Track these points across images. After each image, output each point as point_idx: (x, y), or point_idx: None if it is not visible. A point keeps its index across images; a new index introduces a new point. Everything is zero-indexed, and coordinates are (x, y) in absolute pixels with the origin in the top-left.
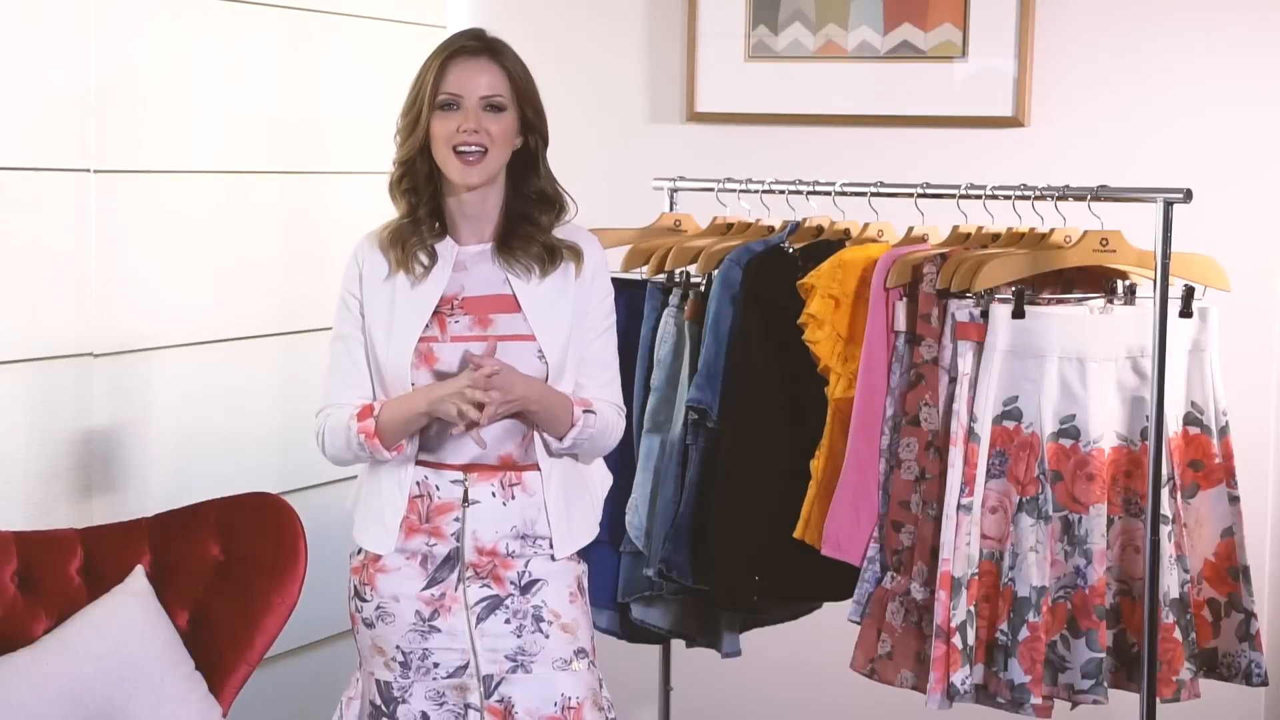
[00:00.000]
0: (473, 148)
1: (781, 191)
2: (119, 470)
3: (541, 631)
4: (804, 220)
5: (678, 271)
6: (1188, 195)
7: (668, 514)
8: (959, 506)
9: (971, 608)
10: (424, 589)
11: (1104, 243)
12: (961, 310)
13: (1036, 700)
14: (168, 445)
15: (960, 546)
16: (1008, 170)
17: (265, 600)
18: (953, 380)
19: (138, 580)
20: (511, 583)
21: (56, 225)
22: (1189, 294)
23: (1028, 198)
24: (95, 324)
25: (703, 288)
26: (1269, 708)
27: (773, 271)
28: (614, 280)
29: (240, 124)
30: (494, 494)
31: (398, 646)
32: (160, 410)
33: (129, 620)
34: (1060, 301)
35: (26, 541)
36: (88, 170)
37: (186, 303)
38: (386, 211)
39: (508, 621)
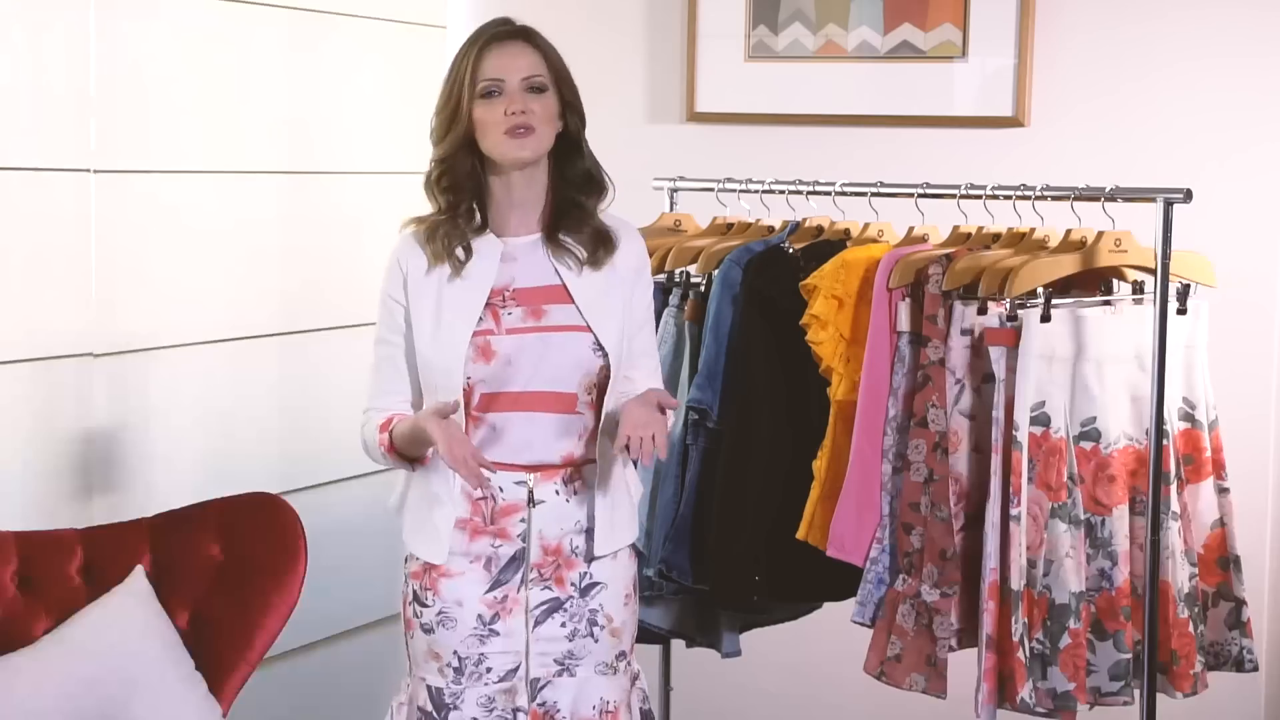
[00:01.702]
0: (521, 127)
1: (781, 191)
2: (119, 470)
3: (593, 636)
4: (804, 220)
5: (678, 271)
6: (1188, 195)
7: (668, 514)
8: (1010, 517)
9: (1026, 619)
10: (487, 592)
11: (1118, 243)
12: (991, 316)
13: (1082, 707)
14: (168, 445)
15: (1014, 559)
16: (1008, 170)
17: (265, 600)
18: (958, 382)
19: (138, 580)
20: (572, 584)
21: (56, 225)
22: (1185, 292)
23: (1028, 198)
24: (95, 324)
25: (703, 288)
26: (1269, 701)
27: (773, 271)
28: None
29: (241, 124)
30: (558, 491)
31: (455, 652)
32: (160, 410)
33: (129, 620)
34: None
35: (26, 541)
36: (88, 170)
37: (186, 303)
38: (386, 212)
39: (564, 625)
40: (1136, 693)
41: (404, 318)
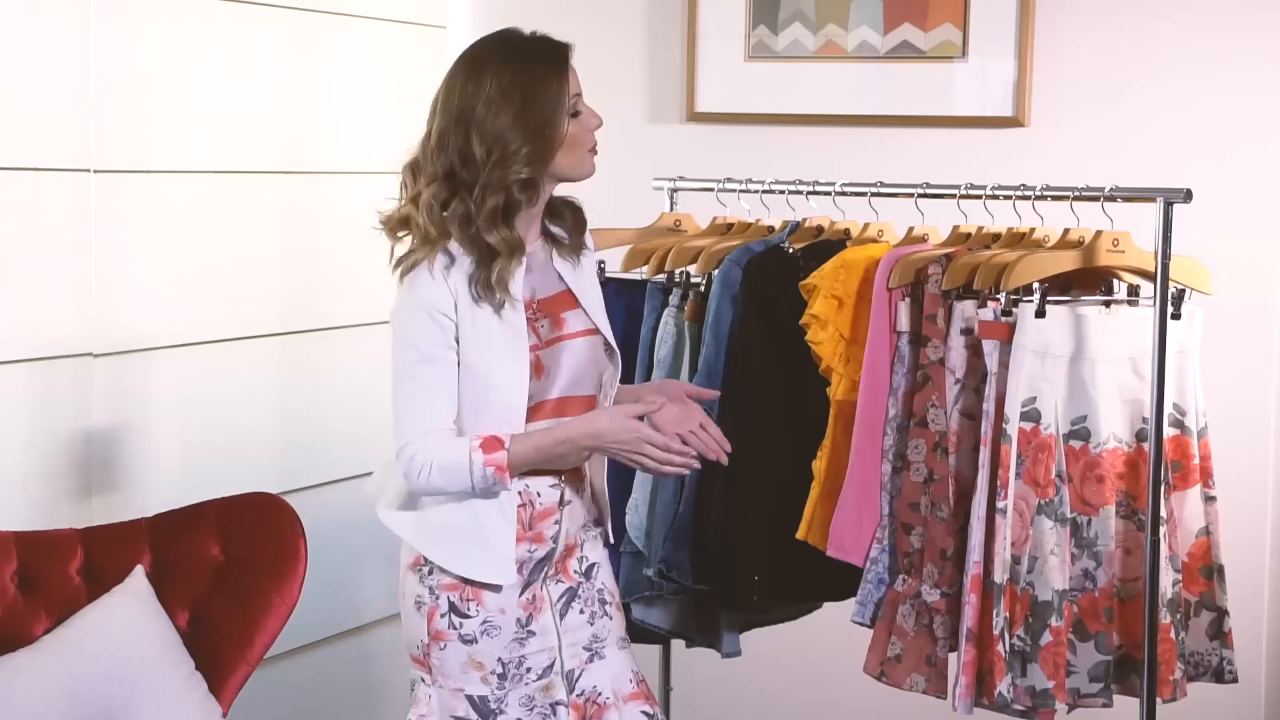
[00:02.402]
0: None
1: (781, 191)
2: (119, 470)
3: (607, 614)
4: (804, 220)
5: (678, 271)
6: (1188, 195)
7: (668, 514)
8: (997, 510)
9: (1008, 614)
10: (520, 594)
11: (1115, 244)
12: (987, 310)
13: (1059, 706)
14: (168, 445)
15: (998, 552)
16: (1008, 170)
17: (265, 600)
18: (958, 382)
19: (138, 580)
20: (575, 570)
21: (56, 225)
22: (1179, 297)
23: (1028, 198)
24: (95, 324)
25: (703, 288)
26: (1269, 707)
27: (773, 271)
28: (614, 280)
29: (241, 124)
30: (579, 490)
31: (498, 659)
32: (160, 410)
33: (129, 620)
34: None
35: (26, 541)
36: (88, 170)
37: (186, 303)
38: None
39: (581, 611)
40: (1127, 695)
41: (455, 335)
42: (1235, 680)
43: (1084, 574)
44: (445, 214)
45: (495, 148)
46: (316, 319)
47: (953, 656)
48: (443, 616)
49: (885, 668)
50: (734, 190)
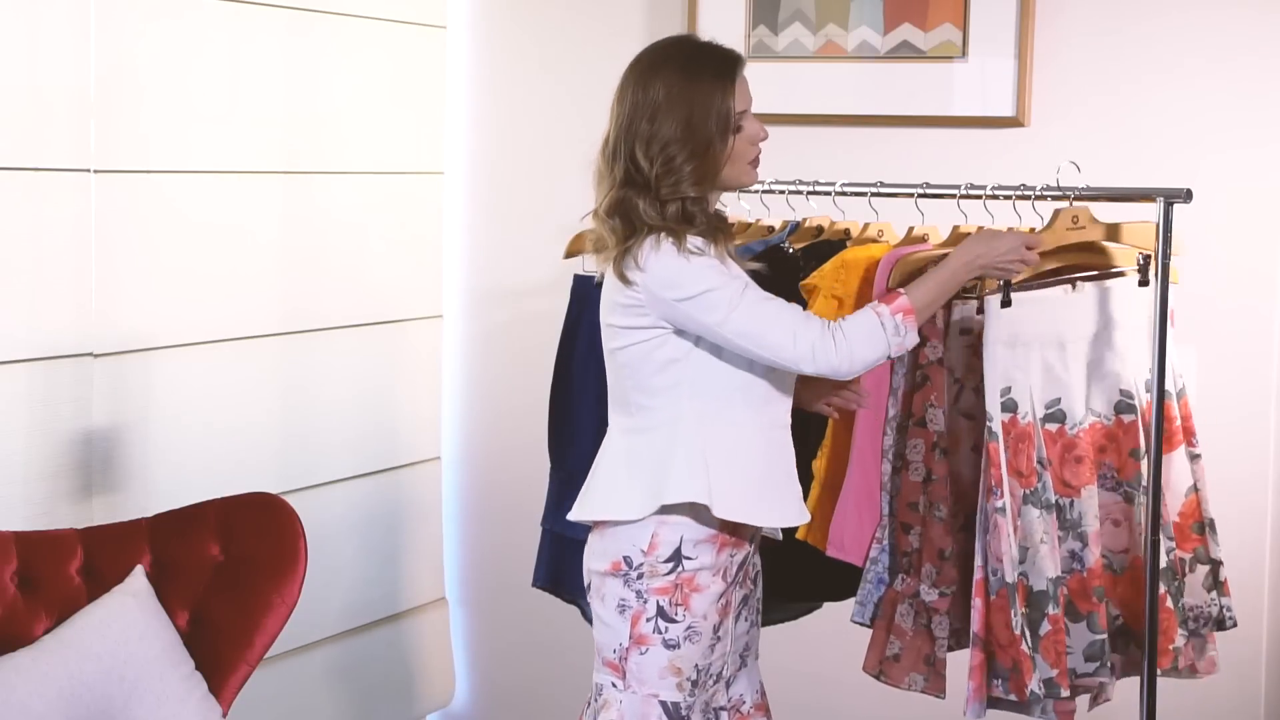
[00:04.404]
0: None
1: (781, 191)
2: (119, 470)
3: (757, 623)
4: (804, 220)
5: None
6: (1188, 195)
7: None
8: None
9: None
10: (717, 600)
11: (1074, 220)
12: (966, 308)
13: (1065, 693)
14: (168, 445)
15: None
16: (1008, 170)
17: (265, 600)
18: (957, 381)
19: (138, 580)
20: (749, 577)
21: (56, 225)
22: (1146, 263)
23: (1028, 198)
24: (95, 324)
25: None
26: (1269, 702)
27: (773, 271)
28: None
29: (241, 124)
30: None
31: (695, 665)
32: (160, 410)
33: (129, 620)
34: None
35: (26, 541)
36: (88, 170)
37: (186, 303)
38: (386, 211)
39: (746, 619)
40: (1126, 670)
41: None
42: (1235, 625)
43: (1071, 555)
44: (633, 216)
45: (658, 160)
46: (316, 319)
47: (952, 658)
48: (648, 621)
49: (884, 667)
50: (734, 190)
